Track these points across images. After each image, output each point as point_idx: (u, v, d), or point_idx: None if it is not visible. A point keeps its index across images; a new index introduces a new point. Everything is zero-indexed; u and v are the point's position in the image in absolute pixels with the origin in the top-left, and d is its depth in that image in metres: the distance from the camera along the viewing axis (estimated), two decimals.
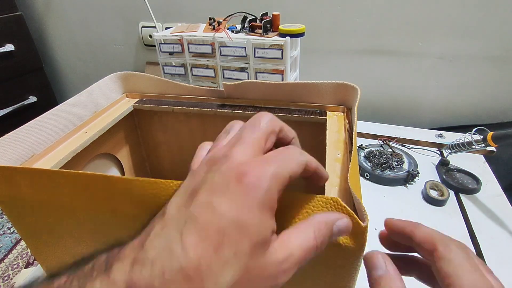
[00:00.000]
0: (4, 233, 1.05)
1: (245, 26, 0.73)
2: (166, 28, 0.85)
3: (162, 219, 0.18)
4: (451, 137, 0.75)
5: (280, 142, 0.23)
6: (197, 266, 0.15)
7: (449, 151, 0.65)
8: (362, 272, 0.26)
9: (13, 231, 1.04)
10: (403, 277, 0.21)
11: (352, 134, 0.36)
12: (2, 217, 0.98)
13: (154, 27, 0.93)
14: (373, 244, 0.55)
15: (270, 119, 0.22)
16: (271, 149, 0.21)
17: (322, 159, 0.29)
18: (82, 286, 0.16)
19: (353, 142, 0.32)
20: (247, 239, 0.16)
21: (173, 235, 0.16)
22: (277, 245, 0.18)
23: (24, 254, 1.04)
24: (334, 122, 0.41)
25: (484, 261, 0.47)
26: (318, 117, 0.42)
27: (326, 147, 0.35)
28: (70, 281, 0.17)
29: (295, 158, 0.20)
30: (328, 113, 0.43)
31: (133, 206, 0.25)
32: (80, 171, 0.26)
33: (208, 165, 0.19)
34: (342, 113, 0.42)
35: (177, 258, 0.16)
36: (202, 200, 0.17)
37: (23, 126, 0.36)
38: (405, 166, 0.66)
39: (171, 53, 0.76)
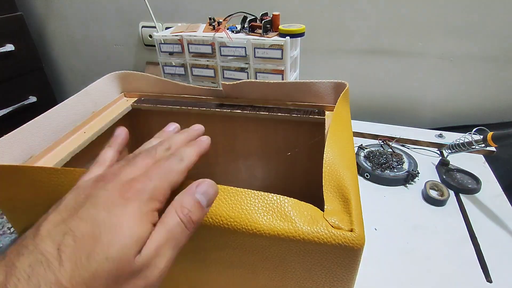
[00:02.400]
0: (4, 233, 1.05)
1: (245, 26, 0.72)
2: (166, 28, 0.85)
3: (37, 235, 0.18)
4: (451, 137, 0.75)
5: None
6: (71, 277, 0.16)
7: (449, 151, 0.65)
8: (361, 274, 0.25)
9: (13, 231, 1.04)
10: None
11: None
12: (3, 218, 0.98)
13: (154, 27, 0.93)
14: (373, 243, 0.55)
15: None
16: None
17: (320, 159, 0.29)
18: None
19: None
20: (120, 240, 0.17)
21: (50, 250, 0.17)
22: (148, 244, 0.19)
23: None
24: None
25: (484, 261, 0.47)
26: (317, 116, 0.42)
27: (325, 147, 0.35)
28: None
29: (175, 168, 0.22)
30: (327, 112, 0.43)
31: None
32: (78, 168, 0.26)
33: (95, 182, 0.21)
34: None
35: (53, 271, 0.16)
36: (83, 215, 0.18)
37: (20, 127, 0.36)
38: (405, 166, 0.66)
39: (171, 53, 0.76)
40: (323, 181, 0.27)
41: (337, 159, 0.29)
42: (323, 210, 0.25)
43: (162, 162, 0.22)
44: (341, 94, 0.39)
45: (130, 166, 0.22)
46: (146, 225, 0.19)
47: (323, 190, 0.26)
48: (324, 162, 0.29)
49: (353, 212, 0.24)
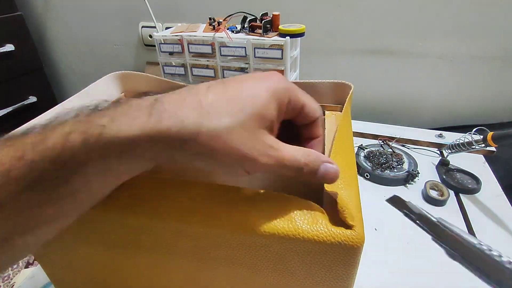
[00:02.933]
0: None
1: (245, 26, 0.72)
2: (166, 28, 0.85)
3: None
4: (451, 137, 0.75)
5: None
6: (211, 103, 0.21)
7: (449, 151, 0.65)
8: (360, 274, 0.25)
9: None
10: None
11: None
12: None
13: (154, 27, 0.93)
14: (373, 243, 0.55)
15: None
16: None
17: None
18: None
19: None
20: (254, 107, 0.21)
21: (202, 87, 0.22)
22: (272, 138, 0.23)
23: None
24: (332, 121, 0.41)
25: None
26: None
27: (325, 147, 0.35)
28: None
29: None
30: (326, 112, 0.43)
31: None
32: None
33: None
34: (340, 112, 0.42)
35: (199, 94, 0.21)
36: (232, 79, 0.23)
37: (20, 127, 0.36)
38: (405, 166, 0.66)
39: (171, 53, 0.76)
40: None
41: (337, 158, 0.29)
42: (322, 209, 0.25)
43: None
44: (348, 96, 0.39)
45: None
46: (275, 111, 0.23)
47: (323, 189, 0.26)
48: None
49: (353, 211, 0.24)
